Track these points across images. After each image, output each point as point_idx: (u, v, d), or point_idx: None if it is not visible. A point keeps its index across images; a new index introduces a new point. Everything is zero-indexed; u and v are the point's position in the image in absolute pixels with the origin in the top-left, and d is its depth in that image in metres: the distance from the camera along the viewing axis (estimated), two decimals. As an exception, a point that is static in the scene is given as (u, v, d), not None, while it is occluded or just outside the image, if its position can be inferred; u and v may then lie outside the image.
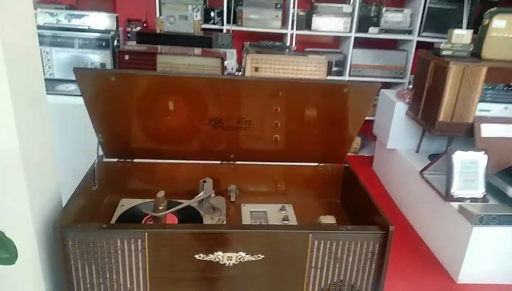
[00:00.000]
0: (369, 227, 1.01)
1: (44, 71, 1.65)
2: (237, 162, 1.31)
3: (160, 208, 1.11)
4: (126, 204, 1.24)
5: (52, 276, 0.99)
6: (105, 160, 1.27)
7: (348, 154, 1.29)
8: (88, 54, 1.64)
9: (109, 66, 1.65)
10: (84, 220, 1.10)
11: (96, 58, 1.65)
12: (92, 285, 0.98)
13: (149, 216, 1.12)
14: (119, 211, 1.20)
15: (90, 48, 1.65)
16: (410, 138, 2.42)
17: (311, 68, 1.58)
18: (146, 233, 0.95)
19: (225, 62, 1.61)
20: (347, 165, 1.33)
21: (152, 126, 1.19)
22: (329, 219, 1.20)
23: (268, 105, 1.16)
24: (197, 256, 0.97)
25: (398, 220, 2.22)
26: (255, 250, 0.98)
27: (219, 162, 1.30)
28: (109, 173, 1.27)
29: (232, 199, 1.31)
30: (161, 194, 1.11)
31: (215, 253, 0.97)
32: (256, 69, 1.55)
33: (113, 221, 1.15)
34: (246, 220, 1.21)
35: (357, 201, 1.23)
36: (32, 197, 0.92)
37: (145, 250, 0.96)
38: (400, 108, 2.42)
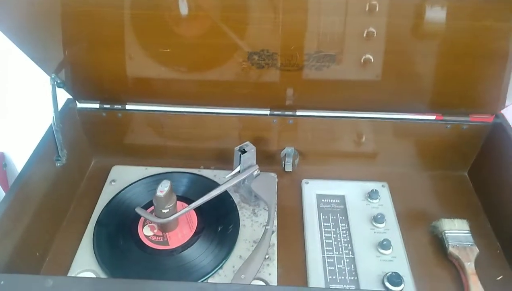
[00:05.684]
0: None
1: None
2: (298, 113, 0.76)
3: (164, 211, 0.64)
4: (120, 178, 0.77)
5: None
6: (79, 106, 0.77)
7: None
8: None
9: None
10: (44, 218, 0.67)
11: None
12: None
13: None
14: (107, 191, 0.75)
15: None
16: None
17: None
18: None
19: None
20: (498, 121, 0.74)
21: (144, 52, 0.65)
22: (458, 226, 0.69)
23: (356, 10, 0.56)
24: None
25: None
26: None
27: (267, 113, 0.76)
28: (89, 126, 0.79)
29: (288, 169, 0.81)
30: (163, 188, 0.63)
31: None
32: None
33: (96, 214, 0.70)
34: (311, 212, 0.72)
35: (506, 189, 0.69)
36: None
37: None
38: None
